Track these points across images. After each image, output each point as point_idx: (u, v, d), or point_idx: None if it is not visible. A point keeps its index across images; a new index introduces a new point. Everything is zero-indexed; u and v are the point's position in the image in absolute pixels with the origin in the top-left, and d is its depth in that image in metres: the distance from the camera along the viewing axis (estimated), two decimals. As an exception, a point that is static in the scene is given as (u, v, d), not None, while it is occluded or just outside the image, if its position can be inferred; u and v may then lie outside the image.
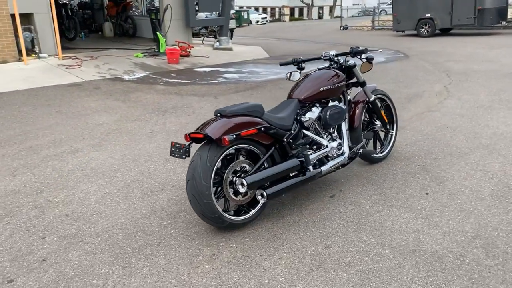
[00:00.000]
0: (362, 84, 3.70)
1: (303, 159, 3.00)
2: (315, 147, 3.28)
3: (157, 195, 3.40)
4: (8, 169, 3.87)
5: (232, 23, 14.07)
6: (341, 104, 3.48)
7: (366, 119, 3.98)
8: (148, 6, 11.90)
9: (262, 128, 2.82)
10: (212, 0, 11.79)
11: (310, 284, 2.32)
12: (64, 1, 12.10)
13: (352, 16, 38.48)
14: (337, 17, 36.65)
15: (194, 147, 2.74)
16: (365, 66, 3.57)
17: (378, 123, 3.97)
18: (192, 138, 2.72)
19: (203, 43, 13.24)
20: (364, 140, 3.67)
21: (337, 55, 3.56)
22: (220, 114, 2.76)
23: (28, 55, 9.28)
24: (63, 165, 3.95)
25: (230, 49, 11.72)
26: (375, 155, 3.97)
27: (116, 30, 13.93)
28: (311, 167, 3.03)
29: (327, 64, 3.65)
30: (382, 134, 4.19)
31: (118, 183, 3.60)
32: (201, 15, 13.44)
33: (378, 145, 4.13)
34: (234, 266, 2.49)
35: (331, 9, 47.73)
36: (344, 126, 3.51)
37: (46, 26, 9.31)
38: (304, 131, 3.21)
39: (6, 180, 3.63)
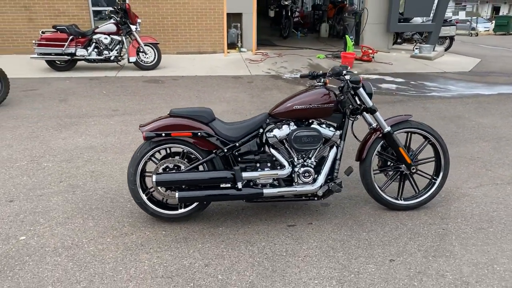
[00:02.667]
0: (371, 110, 3.09)
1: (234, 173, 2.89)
2: (279, 167, 3.05)
3: (161, 176, 3.88)
4: (109, 130, 5.10)
5: (451, 30, 12.39)
6: (329, 129, 3.04)
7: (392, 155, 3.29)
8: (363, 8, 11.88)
9: (199, 134, 2.90)
10: (423, 3, 10.78)
11: (141, 284, 2.40)
12: (286, 3, 13.50)
13: None
14: None
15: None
16: None
17: (414, 163, 3.22)
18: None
19: (413, 50, 12.28)
20: (345, 175, 3.12)
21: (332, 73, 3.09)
22: (169, 113, 3.00)
23: (233, 48, 11.06)
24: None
25: (429, 58, 10.53)
26: (394, 201, 3.26)
27: (331, 31, 14.54)
28: (239, 184, 2.88)
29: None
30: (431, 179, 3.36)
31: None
32: (417, 20, 12.47)
33: (412, 190, 3.34)
34: (122, 248, 2.77)
35: None
36: (333, 155, 3.07)
37: (249, 25, 10.79)
38: (271, 148, 3.04)
39: (98, 138, 4.84)
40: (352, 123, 3.26)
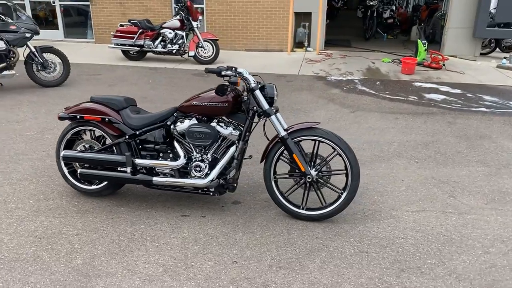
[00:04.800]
0: (266, 113, 3.03)
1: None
2: (178, 158, 3.21)
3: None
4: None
5: None
6: (226, 128, 3.09)
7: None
8: (441, 12, 10.82)
9: (106, 119, 3.22)
10: (521, 6, 9.33)
11: (14, 239, 2.84)
12: (371, 3, 12.90)
13: None
14: None
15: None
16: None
17: (310, 172, 3.08)
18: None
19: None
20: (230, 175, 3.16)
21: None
22: (90, 99, 3.39)
23: (300, 47, 11.07)
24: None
25: (518, 70, 9.12)
26: (295, 209, 3.18)
27: (421, 34, 13.42)
28: (128, 169, 3.13)
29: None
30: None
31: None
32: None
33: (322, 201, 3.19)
34: (33, 210, 3.28)
35: None
36: (230, 153, 3.11)
37: (317, 24, 10.66)
38: (174, 140, 3.22)
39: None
40: (264, 124, 3.24)
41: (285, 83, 7.83)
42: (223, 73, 3.02)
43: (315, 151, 3.14)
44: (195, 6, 10.90)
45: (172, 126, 3.21)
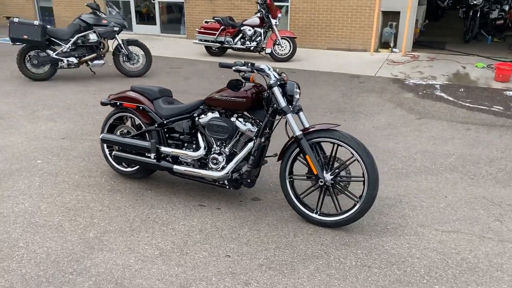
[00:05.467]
0: (282, 111, 2.96)
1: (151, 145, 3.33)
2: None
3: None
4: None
5: None
6: (245, 124, 3.10)
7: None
8: None
9: (141, 107, 3.45)
10: None
11: (44, 206, 3.20)
12: (474, 2, 11.69)
13: None
14: None
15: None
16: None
17: (323, 175, 2.95)
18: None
19: None
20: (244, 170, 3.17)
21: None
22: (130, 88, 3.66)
23: (385, 48, 10.52)
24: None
25: None
26: (308, 212, 3.08)
27: (535, 38, 11.80)
28: (152, 155, 3.31)
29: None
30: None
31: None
32: None
33: (336, 207, 3.04)
34: (74, 184, 3.64)
35: None
36: (247, 149, 3.12)
37: (405, 24, 10.00)
38: (198, 132, 3.33)
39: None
40: (286, 122, 3.18)
41: (357, 84, 7.52)
42: (234, 68, 3.03)
43: (333, 154, 2.99)
44: (280, 4, 11.02)
45: (197, 118, 3.32)
